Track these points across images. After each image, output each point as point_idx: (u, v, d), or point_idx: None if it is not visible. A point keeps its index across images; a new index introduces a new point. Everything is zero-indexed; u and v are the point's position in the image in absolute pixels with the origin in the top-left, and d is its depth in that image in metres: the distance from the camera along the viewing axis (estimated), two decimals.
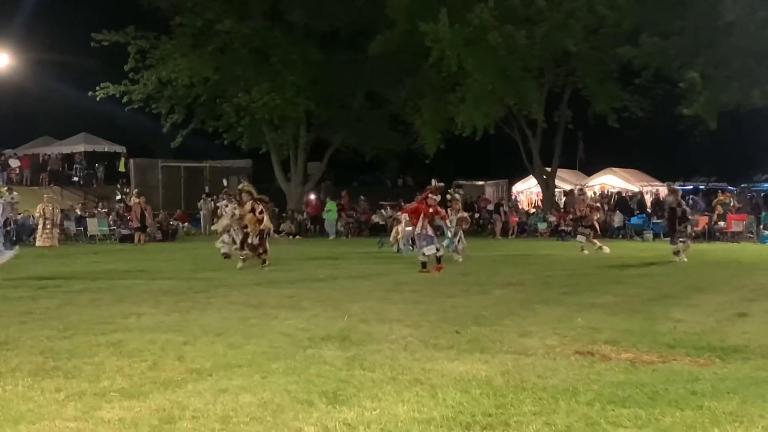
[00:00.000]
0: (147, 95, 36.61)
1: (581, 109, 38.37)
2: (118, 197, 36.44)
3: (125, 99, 36.43)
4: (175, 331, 8.91)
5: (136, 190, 33.88)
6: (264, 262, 17.68)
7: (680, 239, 19.96)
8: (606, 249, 22.47)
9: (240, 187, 18.65)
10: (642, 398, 5.88)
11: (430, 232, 16.77)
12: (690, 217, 20.58)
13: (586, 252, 22.47)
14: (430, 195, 16.95)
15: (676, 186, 22.21)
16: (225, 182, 19.46)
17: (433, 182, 17.59)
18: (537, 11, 32.81)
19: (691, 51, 31.67)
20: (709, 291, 12.99)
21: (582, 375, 6.67)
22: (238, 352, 7.73)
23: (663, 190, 42.74)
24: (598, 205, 30.98)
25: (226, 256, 19.87)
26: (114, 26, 35.95)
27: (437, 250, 16.64)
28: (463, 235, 20.15)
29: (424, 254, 16.58)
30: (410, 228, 17.76)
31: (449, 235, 18.54)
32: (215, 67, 36.54)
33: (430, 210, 16.81)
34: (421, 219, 16.72)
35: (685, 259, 19.43)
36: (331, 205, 36.15)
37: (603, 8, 32.23)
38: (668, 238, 20.93)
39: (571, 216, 25.66)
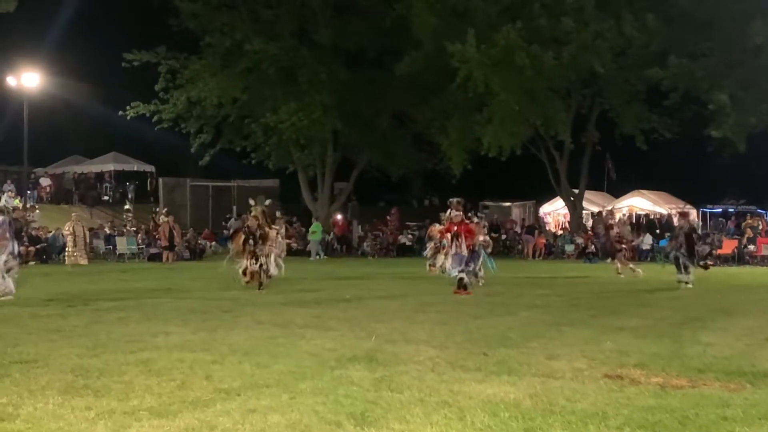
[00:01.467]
0: (176, 114, 37.00)
1: (609, 131, 38.24)
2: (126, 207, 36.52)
3: (155, 118, 36.86)
4: (202, 350, 8.93)
5: (165, 209, 34.11)
6: (260, 284, 17.13)
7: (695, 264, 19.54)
8: (639, 271, 22.36)
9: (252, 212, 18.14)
10: (672, 423, 5.83)
11: (464, 251, 16.67)
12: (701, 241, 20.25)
13: (622, 276, 22.33)
14: (453, 212, 16.89)
15: (686, 209, 21.80)
16: (252, 202, 19.44)
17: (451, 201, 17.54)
18: (564, 32, 32.78)
19: (720, 72, 31.54)
20: (737, 314, 12.87)
21: (611, 399, 6.63)
22: (266, 371, 7.74)
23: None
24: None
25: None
26: (145, 46, 36.44)
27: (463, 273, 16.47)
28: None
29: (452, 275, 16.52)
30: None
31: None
32: (244, 87, 36.88)
33: (455, 228, 16.70)
34: (450, 237, 16.67)
35: (690, 285, 18.73)
36: (316, 227, 35.79)
37: (631, 29, 32.16)
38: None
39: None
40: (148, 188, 42.84)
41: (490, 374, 7.65)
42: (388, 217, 39.87)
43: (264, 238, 17.27)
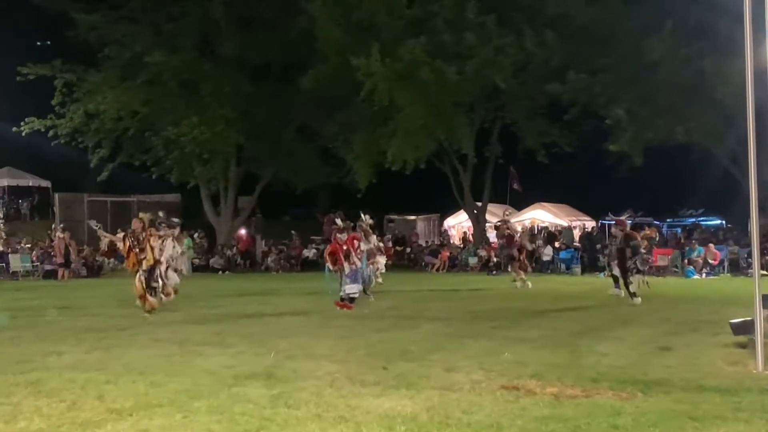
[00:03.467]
0: (73, 129, 36.10)
1: (511, 144, 38.88)
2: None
3: (51, 133, 35.88)
4: (96, 370, 8.74)
5: (61, 225, 33.18)
6: (148, 307, 15.16)
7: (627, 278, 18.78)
8: (529, 284, 22.64)
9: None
10: None
11: (357, 263, 16.45)
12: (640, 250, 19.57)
13: (518, 285, 22.60)
14: (338, 235, 16.62)
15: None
16: (161, 214, 19.08)
17: (338, 220, 17.36)
18: (467, 47, 33.19)
19: (618, 88, 32.29)
20: (633, 324, 13.15)
21: (507, 410, 6.68)
22: (160, 390, 7.59)
23: (591, 225, 43.56)
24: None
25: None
26: (41, 59, 35.48)
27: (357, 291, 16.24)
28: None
29: (345, 291, 16.14)
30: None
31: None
32: (144, 100, 36.19)
33: (345, 248, 16.39)
34: (343, 259, 16.28)
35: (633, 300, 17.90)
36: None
37: (531, 45, 32.75)
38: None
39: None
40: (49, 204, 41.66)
41: (388, 388, 7.64)
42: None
43: (143, 244, 15.49)
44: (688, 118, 31.34)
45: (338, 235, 16.59)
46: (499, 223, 26.69)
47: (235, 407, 6.82)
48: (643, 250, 19.00)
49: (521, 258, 23.73)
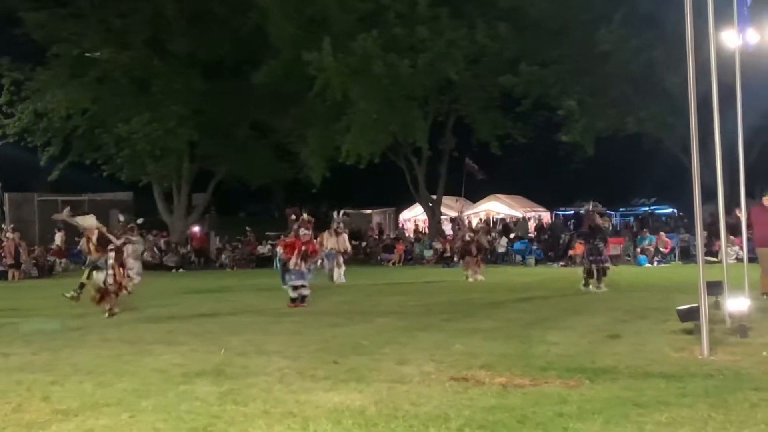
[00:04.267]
0: (22, 128, 35.64)
1: (465, 137, 39.06)
2: None
3: None
4: (44, 371, 8.62)
5: (11, 226, 32.69)
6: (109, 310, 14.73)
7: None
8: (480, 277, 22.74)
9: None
10: (511, 422, 5.93)
11: (303, 268, 16.08)
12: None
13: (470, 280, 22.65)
14: (302, 229, 16.24)
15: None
16: (121, 217, 19.05)
17: (305, 215, 16.83)
18: (419, 40, 33.30)
19: (569, 79, 32.62)
20: (585, 313, 13.26)
21: (455, 401, 6.70)
22: (108, 390, 7.51)
23: (545, 216, 43.94)
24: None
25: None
26: None
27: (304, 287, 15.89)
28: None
29: (293, 288, 15.85)
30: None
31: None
32: (94, 98, 35.84)
33: (303, 247, 16.08)
34: (295, 255, 16.04)
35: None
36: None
37: (483, 38, 32.92)
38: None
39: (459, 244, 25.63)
40: None
41: (338, 382, 7.62)
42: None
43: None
44: (638, 109, 31.74)
45: (301, 231, 16.21)
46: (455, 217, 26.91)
47: (182, 405, 6.77)
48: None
49: (477, 255, 23.69)
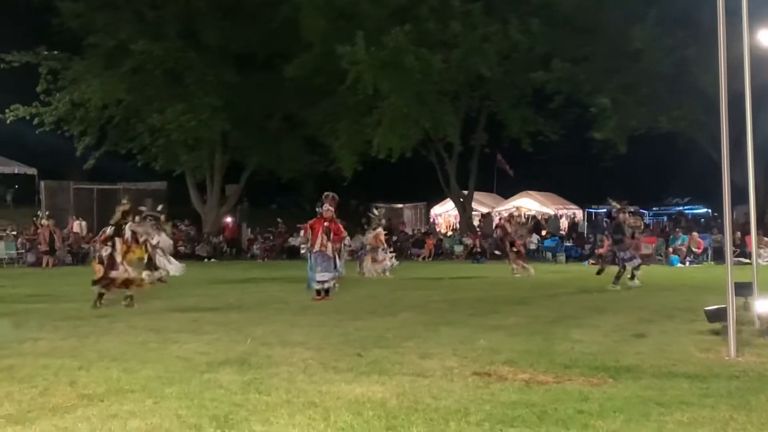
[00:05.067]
0: (59, 117, 36.03)
1: (497, 133, 38.97)
2: None
3: (36, 121, 35.77)
4: (70, 356, 8.73)
5: (47, 213, 33.11)
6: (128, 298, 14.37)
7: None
8: (531, 270, 22.70)
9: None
10: (531, 418, 5.92)
11: (329, 251, 15.71)
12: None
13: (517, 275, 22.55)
14: (325, 205, 15.94)
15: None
16: (148, 205, 19.32)
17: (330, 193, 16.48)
18: (452, 35, 33.27)
19: (601, 77, 32.44)
20: (609, 312, 13.17)
21: (476, 396, 6.70)
22: (133, 376, 7.59)
23: (578, 213, 43.69)
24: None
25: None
26: (25, 47, 35.32)
27: (328, 279, 15.59)
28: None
29: (318, 281, 15.59)
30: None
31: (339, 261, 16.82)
32: (128, 88, 36.12)
33: (325, 224, 15.71)
34: (319, 235, 15.69)
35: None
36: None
37: (516, 34, 32.84)
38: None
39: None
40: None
41: (360, 374, 7.65)
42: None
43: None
44: (671, 107, 31.51)
45: (324, 207, 15.92)
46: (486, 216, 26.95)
47: (205, 393, 6.82)
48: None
49: (515, 249, 23.65)
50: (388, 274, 22.64)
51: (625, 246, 18.61)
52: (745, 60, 9.79)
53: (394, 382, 7.26)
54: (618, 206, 19.23)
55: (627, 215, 18.99)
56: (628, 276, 18.39)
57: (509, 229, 24.75)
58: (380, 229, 23.37)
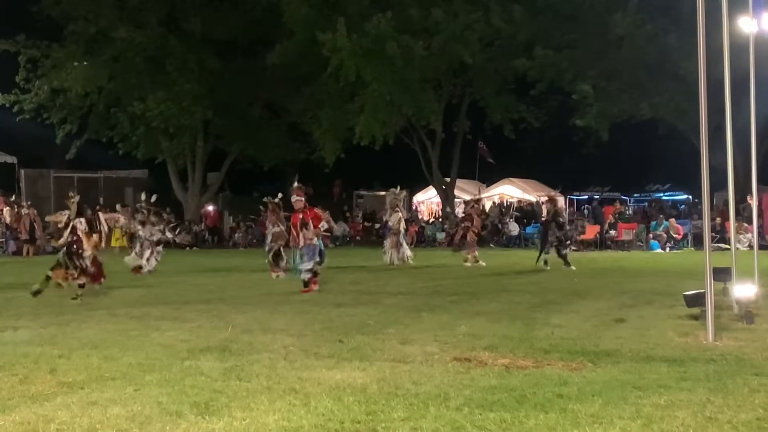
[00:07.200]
0: (39, 105, 35.80)
1: (479, 120, 38.99)
2: None
3: (16, 108, 35.54)
4: (50, 344, 8.75)
5: (28, 202, 32.88)
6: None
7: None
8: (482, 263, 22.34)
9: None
10: (510, 402, 5.97)
11: (314, 241, 15.17)
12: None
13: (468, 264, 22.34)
14: (293, 196, 15.56)
15: (554, 195, 21.66)
16: (144, 196, 19.73)
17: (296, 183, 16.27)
18: (434, 22, 33.22)
19: (583, 64, 32.52)
20: (590, 297, 13.26)
21: (456, 381, 6.75)
22: (113, 364, 7.61)
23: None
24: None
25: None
26: (3, 34, 35.02)
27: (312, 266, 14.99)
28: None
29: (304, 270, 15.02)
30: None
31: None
32: (109, 76, 35.91)
33: (300, 216, 15.27)
34: (299, 231, 15.22)
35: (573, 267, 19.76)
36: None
37: (498, 21, 32.82)
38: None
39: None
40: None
41: (341, 361, 7.69)
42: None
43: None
44: (653, 94, 31.63)
45: (293, 198, 15.53)
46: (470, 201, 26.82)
47: (186, 380, 6.84)
48: (569, 227, 20.40)
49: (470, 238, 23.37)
50: (410, 261, 22.47)
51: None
52: (724, 47, 9.86)
53: (375, 368, 7.30)
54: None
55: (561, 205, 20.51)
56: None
57: (476, 220, 24.52)
58: (400, 213, 23.31)
